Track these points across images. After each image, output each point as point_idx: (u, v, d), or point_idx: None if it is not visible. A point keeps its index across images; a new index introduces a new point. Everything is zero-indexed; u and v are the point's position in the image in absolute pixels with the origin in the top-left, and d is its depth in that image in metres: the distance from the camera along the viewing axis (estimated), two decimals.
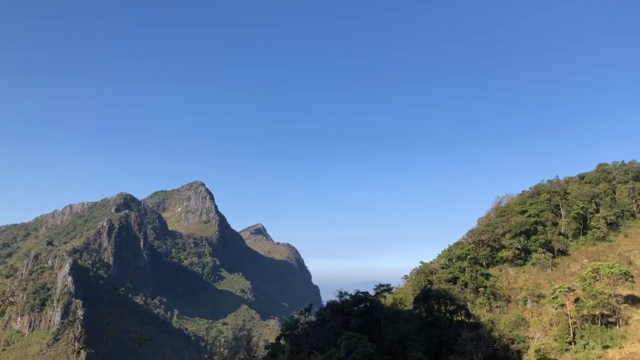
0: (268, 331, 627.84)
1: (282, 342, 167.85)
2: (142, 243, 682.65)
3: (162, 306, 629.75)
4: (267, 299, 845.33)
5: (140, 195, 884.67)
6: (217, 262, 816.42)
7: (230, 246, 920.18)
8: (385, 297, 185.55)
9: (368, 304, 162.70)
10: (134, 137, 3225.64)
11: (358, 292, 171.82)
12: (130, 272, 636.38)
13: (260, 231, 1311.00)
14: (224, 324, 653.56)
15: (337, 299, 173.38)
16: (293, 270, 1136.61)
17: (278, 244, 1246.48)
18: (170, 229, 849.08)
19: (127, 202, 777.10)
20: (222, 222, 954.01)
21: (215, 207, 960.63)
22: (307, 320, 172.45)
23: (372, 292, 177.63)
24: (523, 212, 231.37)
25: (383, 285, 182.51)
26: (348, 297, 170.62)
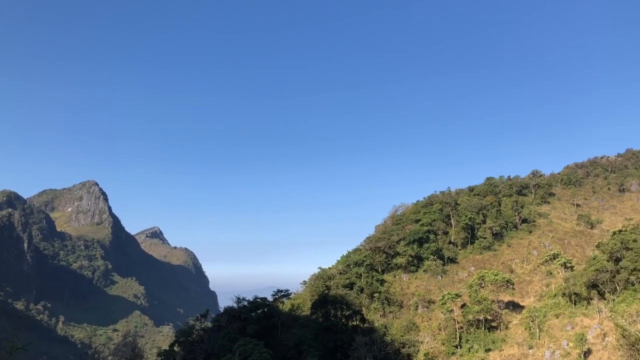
0: (161, 338, 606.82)
1: (175, 349, 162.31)
2: (26, 244, 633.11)
3: (47, 312, 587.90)
4: (162, 305, 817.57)
5: (26, 194, 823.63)
6: (109, 266, 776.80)
7: (123, 249, 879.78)
8: (283, 302, 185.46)
9: (266, 310, 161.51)
10: (22, 133, 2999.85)
11: (256, 297, 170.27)
12: (11, 275, 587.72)
13: (156, 234, 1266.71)
14: (115, 330, 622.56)
15: (235, 305, 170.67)
16: (190, 276, 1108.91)
17: (175, 248, 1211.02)
18: (58, 230, 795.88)
19: (11, 200, 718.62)
20: (116, 224, 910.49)
21: (109, 208, 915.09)
22: (202, 326, 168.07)
23: (270, 298, 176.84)
24: (417, 220, 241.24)
25: (281, 291, 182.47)
26: (246, 303, 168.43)
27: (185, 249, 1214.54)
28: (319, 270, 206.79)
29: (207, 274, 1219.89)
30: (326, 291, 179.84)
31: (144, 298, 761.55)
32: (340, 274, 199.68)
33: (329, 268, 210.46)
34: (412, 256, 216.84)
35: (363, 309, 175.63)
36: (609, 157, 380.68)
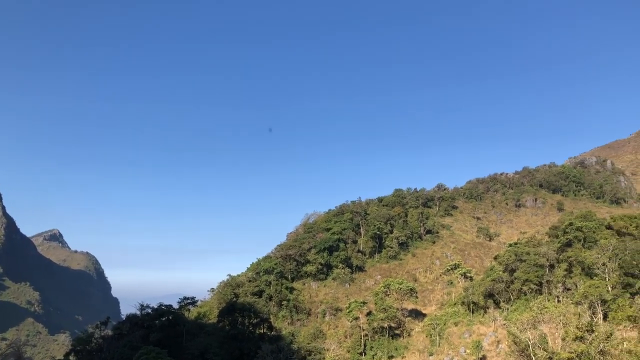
0: (56, 347, 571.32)
1: (71, 358, 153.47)
2: None
3: None
4: (58, 312, 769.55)
5: None
6: (0, 270, 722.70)
7: (18, 252, 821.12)
8: (189, 310, 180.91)
9: (171, 317, 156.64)
10: None
11: (161, 305, 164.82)
12: None
13: (55, 237, 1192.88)
14: (3, 339, 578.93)
15: (138, 312, 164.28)
16: (91, 281, 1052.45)
17: (75, 252, 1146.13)
18: None
19: None
20: (10, 225, 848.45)
21: (3, 207, 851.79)
22: (102, 334, 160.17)
23: (176, 305, 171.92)
24: (328, 229, 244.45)
25: (188, 298, 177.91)
26: (150, 310, 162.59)
27: (87, 253, 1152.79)
28: (228, 277, 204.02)
29: (110, 279, 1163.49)
30: (234, 299, 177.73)
31: (38, 304, 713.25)
32: (250, 281, 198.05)
33: (238, 275, 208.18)
34: (322, 264, 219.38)
35: (271, 316, 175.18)
36: (507, 174, 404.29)
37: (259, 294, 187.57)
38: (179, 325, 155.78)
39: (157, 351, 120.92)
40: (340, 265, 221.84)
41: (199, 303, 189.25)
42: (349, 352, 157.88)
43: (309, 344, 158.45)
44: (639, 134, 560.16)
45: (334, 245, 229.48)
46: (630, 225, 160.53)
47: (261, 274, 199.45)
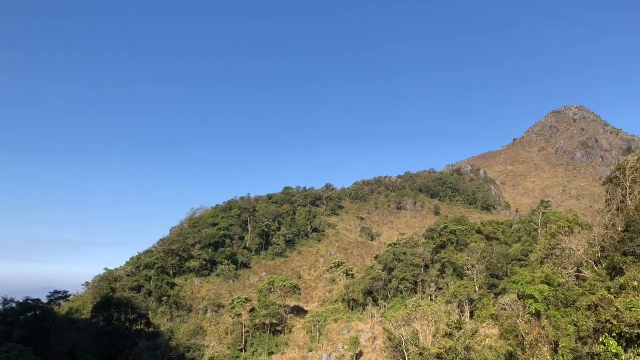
0: None
1: None
2: None
3: None
4: None
5: None
6: None
7: None
8: (60, 305, 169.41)
9: (38, 312, 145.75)
10: None
11: (28, 298, 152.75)
12: None
13: None
14: None
15: (0, 307, 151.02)
16: None
17: None
18: None
19: None
20: None
21: None
22: None
23: (45, 300, 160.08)
24: (214, 224, 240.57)
25: (59, 292, 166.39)
26: (14, 305, 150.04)
27: None
28: (104, 271, 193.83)
29: None
30: (110, 293, 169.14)
31: None
32: (129, 275, 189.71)
33: (116, 269, 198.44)
34: (206, 260, 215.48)
35: (150, 312, 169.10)
36: (391, 177, 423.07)
37: (138, 289, 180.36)
38: (48, 320, 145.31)
39: (20, 349, 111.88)
40: (225, 261, 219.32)
41: (71, 297, 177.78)
42: (229, 348, 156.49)
43: (188, 340, 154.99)
44: (509, 147, 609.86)
45: (219, 241, 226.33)
46: (497, 230, 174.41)
47: (141, 268, 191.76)
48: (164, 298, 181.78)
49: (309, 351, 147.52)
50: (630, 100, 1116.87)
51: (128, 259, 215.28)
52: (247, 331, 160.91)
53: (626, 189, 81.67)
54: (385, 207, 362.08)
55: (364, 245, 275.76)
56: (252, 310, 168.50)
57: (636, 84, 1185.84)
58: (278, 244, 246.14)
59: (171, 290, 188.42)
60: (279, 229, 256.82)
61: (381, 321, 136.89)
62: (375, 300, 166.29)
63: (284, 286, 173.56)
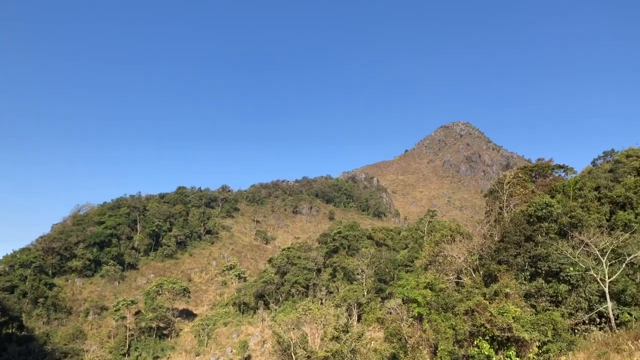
0: None
1: None
2: None
3: None
4: None
5: None
6: None
7: None
8: None
9: None
10: None
11: None
12: None
13: None
14: None
15: None
16: None
17: None
18: None
19: None
20: None
21: None
22: None
23: None
24: (101, 223, 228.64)
25: None
26: None
27: None
28: None
29: None
30: None
31: None
32: (1, 275, 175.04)
33: None
34: (90, 260, 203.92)
35: (23, 315, 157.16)
36: (288, 181, 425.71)
37: (11, 289, 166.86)
38: None
39: None
40: (111, 261, 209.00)
41: None
42: (111, 353, 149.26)
43: (66, 345, 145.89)
44: (401, 158, 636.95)
45: (106, 241, 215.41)
46: (387, 237, 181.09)
47: (16, 267, 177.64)
48: (41, 300, 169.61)
49: (197, 355, 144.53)
50: (511, 119, 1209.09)
51: (1, 257, 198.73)
52: (132, 335, 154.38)
53: (503, 202, 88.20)
54: (281, 211, 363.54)
55: (258, 248, 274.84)
56: (137, 313, 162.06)
57: (516, 106, 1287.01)
58: (169, 246, 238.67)
59: (49, 291, 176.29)
60: (170, 229, 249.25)
61: (271, 325, 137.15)
62: (267, 304, 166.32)
63: (174, 289, 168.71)
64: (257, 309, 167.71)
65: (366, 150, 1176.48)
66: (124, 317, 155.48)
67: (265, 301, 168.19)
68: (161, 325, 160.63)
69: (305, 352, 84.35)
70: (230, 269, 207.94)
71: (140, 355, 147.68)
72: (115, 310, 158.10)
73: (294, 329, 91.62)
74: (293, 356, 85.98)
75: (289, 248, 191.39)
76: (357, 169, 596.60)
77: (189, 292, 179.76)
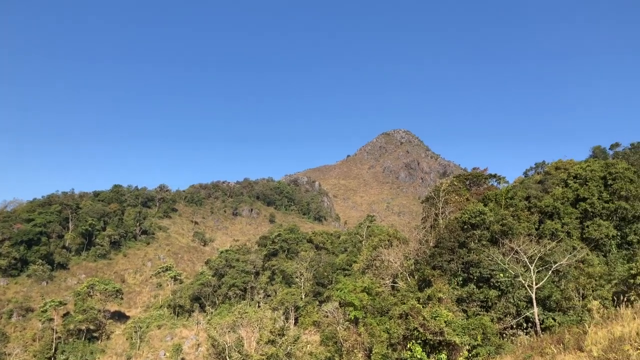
0: None
1: None
2: None
3: None
4: None
5: None
6: None
7: None
8: None
9: None
10: None
11: None
12: None
13: None
14: None
15: None
16: None
17: None
18: None
19: None
20: None
21: None
22: None
23: None
24: (29, 220, 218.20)
25: None
26: None
27: None
28: None
29: None
30: None
31: None
32: None
33: None
34: (16, 259, 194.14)
35: None
36: (229, 182, 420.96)
37: None
38: None
39: None
40: (40, 260, 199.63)
41: None
42: (35, 356, 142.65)
43: None
44: (343, 163, 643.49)
45: (34, 239, 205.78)
46: (327, 240, 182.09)
47: None
48: None
49: (128, 359, 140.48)
50: (449, 129, 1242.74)
51: None
52: (59, 338, 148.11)
53: (439, 209, 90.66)
54: (221, 212, 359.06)
55: (196, 250, 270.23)
56: (66, 314, 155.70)
57: (455, 115, 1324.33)
58: (102, 245, 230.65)
59: None
60: (104, 229, 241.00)
61: (207, 328, 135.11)
62: (202, 307, 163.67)
63: (106, 290, 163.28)
64: (193, 311, 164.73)
65: (309, 154, 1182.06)
66: (51, 319, 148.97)
67: (201, 304, 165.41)
68: (91, 327, 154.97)
69: (240, 356, 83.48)
70: (166, 270, 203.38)
71: (67, 358, 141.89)
72: (42, 312, 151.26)
73: (229, 332, 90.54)
74: (227, 359, 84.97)
75: (227, 250, 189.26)
76: (300, 172, 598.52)
77: (122, 294, 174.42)
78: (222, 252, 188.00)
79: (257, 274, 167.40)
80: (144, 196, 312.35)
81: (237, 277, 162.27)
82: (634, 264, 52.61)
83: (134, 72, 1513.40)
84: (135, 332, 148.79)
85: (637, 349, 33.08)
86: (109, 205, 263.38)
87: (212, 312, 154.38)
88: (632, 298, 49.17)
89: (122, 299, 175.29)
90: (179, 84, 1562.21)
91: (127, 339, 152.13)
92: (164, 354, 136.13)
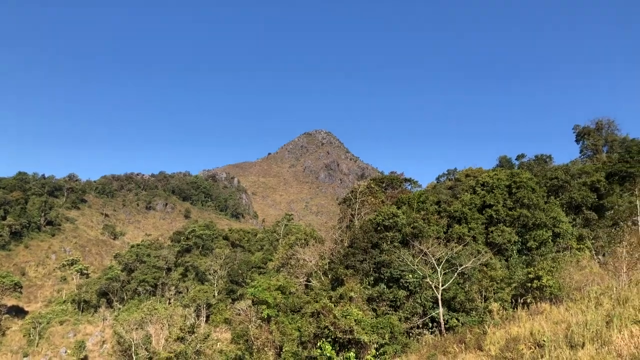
0: None
1: None
2: None
3: None
4: None
5: None
6: None
7: None
8: None
9: None
10: None
11: None
12: None
13: None
14: None
15: None
16: None
17: None
18: None
19: None
20: None
21: None
22: None
23: None
24: None
25: None
26: None
27: None
28: None
29: None
30: None
31: None
32: None
33: None
34: None
35: None
36: (143, 175, 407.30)
37: None
38: None
39: None
40: None
41: None
42: None
43: None
44: (263, 160, 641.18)
45: None
46: (243, 238, 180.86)
47: None
48: None
49: (25, 356, 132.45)
50: (369, 132, 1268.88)
51: None
52: None
53: (355, 210, 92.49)
54: (134, 205, 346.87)
55: (105, 244, 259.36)
56: None
57: (374, 118, 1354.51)
58: (1, 235, 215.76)
59: None
60: (5, 218, 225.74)
61: (113, 324, 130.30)
62: (110, 303, 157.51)
63: (3, 283, 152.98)
64: (99, 307, 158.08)
65: (229, 150, 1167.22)
66: None
67: (108, 299, 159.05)
68: None
69: (147, 353, 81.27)
70: (72, 264, 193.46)
71: None
72: None
73: (137, 328, 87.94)
74: (134, 357, 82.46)
75: (138, 245, 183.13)
76: (219, 167, 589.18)
77: (21, 287, 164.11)
78: (132, 247, 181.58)
79: (169, 270, 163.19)
80: (51, 185, 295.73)
81: (148, 272, 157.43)
82: (531, 269, 56.09)
83: (45, 57, 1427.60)
84: (34, 327, 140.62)
85: (530, 348, 35.43)
86: (11, 193, 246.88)
87: (119, 308, 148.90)
88: (528, 300, 52.42)
89: (21, 292, 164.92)
90: (97, 75, 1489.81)
91: (24, 336, 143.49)
92: (65, 352, 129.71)
